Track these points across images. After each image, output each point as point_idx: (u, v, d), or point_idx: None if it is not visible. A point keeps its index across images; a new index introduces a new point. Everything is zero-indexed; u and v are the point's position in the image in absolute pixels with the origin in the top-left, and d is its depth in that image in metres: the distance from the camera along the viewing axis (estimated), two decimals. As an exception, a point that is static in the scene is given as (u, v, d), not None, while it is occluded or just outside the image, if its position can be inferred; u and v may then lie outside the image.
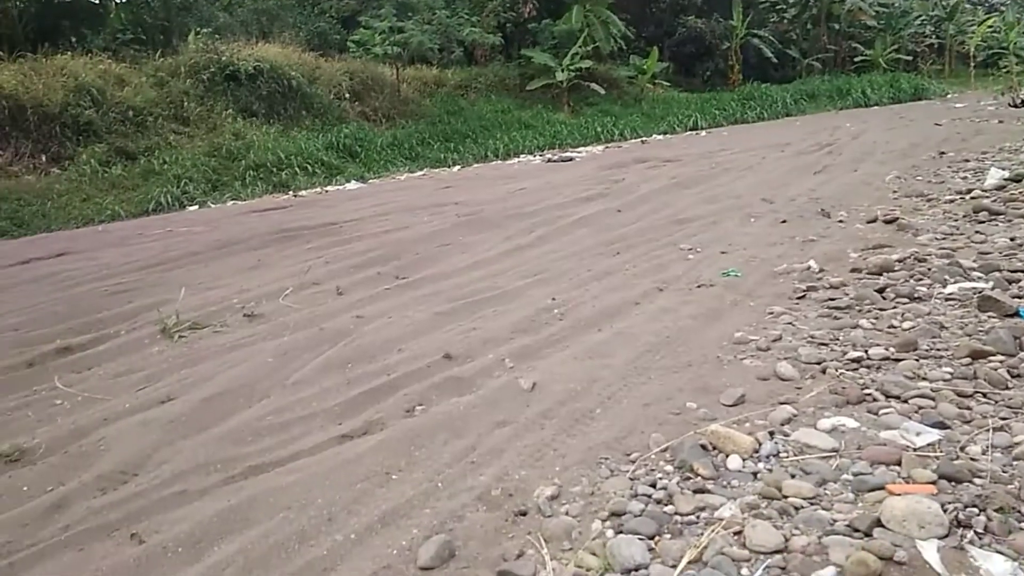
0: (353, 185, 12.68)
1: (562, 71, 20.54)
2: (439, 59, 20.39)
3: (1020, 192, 6.68)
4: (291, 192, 12.11)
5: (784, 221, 6.81)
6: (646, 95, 23.49)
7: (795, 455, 2.68)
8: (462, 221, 7.70)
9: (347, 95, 17.06)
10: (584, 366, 3.77)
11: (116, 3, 18.56)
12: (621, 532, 2.32)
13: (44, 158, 12.20)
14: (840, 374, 3.37)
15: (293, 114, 15.53)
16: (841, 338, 3.82)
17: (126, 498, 2.83)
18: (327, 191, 12.20)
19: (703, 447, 2.76)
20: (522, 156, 16.26)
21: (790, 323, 4.16)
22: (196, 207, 11.18)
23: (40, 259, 7.12)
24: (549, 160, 14.90)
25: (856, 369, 3.41)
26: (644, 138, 18.81)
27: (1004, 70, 28.57)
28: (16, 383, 4.07)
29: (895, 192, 7.75)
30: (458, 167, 14.89)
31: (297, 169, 13.05)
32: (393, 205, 9.24)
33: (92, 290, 5.70)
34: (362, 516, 2.59)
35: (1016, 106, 17.27)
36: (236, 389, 3.78)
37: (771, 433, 2.85)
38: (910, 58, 31.81)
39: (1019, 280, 4.37)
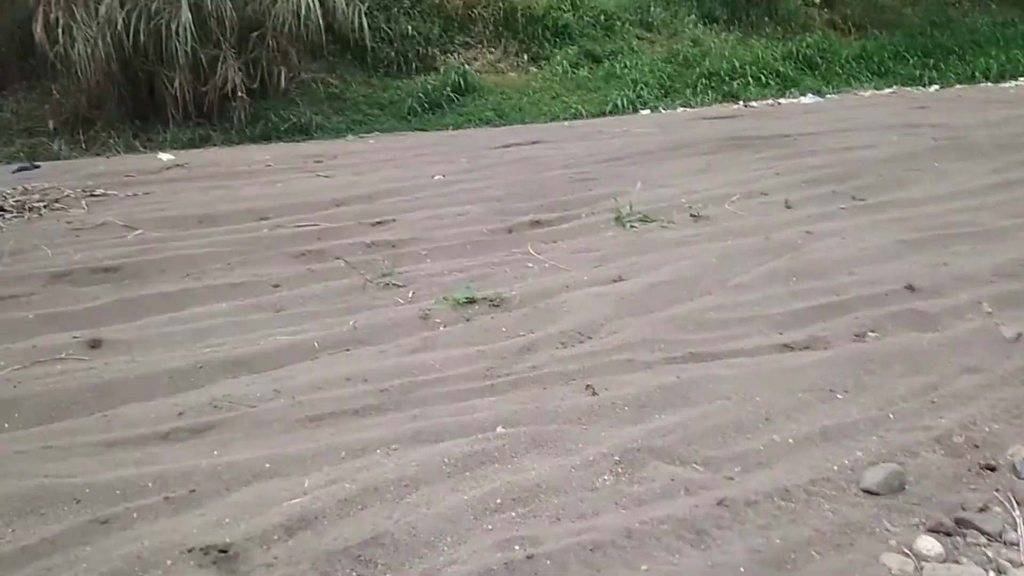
0: (809, 99, 11.90)
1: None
2: (932, -40, 17.60)
3: None
4: (741, 102, 11.84)
5: None
6: None
7: None
8: (939, 145, 6.73)
9: (817, 1, 15.81)
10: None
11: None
12: None
13: (526, 57, 13.71)
14: None
15: (755, 21, 14.96)
16: None
17: (581, 355, 3.17)
18: (779, 103, 11.66)
19: None
20: (1020, 79, 13.47)
21: None
22: (648, 111, 11.62)
23: (518, 144, 8.10)
24: (1061, 86, 12.10)
25: None
26: None
27: None
28: (499, 244, 4.76)
29: None
30: (936, 87, 12.95)
31: (750, 79, 12.66)
32: (855, 122, 8.45)
33: (560, 175, 6.34)
34: (801, 424, 2.53)
35: None
36: (680, 281, 3.93)
37: None
38: None
39: None
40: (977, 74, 13.73)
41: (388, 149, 8.29)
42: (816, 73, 13.50)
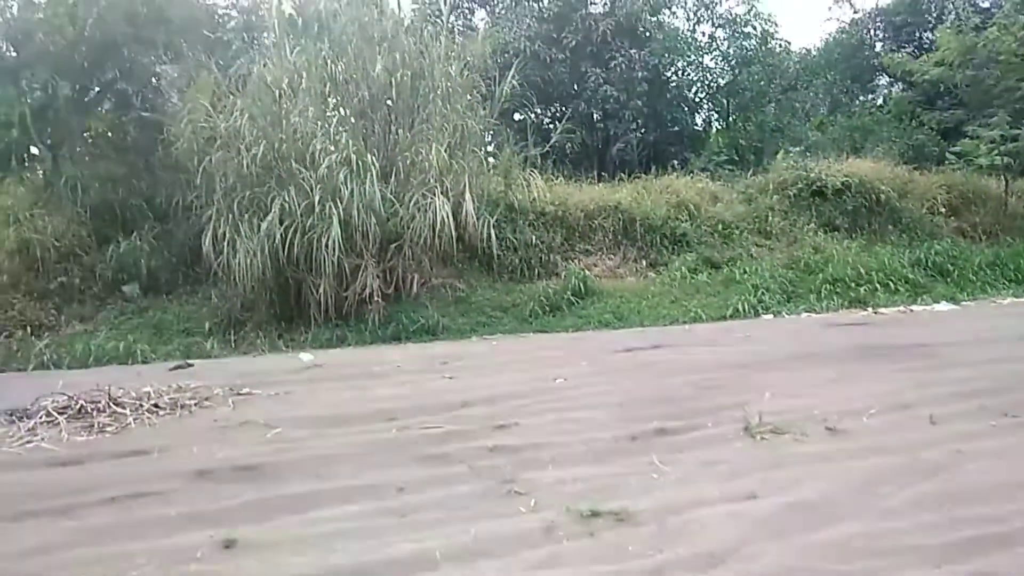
0: (943, 306, 11.48)
1: None
2: (1064, 168, 17.33)
3: None
4: (870, 308, 11.56)
5: None
6: None
7: None
8: (1099, 360, 6.25)
9: (942, 209, 15.70)
10: None
11: (716, 129, 20.82)
12: None
13: (644, 263, 14.13)
14: None
15: (878, 228, 14.95)
16: None
17: (718, 582, 2.96)
18: (911, 310, 11.29)
19: None
20: None
21: None
22: (770, 316, 11.51)
23: (640, 348, 8.16)
24: None
25: None
26: None
27: None
28: (623, 452, 4.67)
29: None
30: (1084, 295, 12.23)
31: (877, 285, 12.43)
32: (998, 331, 8.04)
33: (683, 381, 6.28)
34: None
35: None
36: (820, 502, 3.69)
37: None
38: None
39: None
40: None
41: (510, 351, 8.55)
42: (948, 280, 13.11)
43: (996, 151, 15.30)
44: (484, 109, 12.62)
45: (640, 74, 17.23)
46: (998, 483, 3.79)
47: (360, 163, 9.90)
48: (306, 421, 5.34)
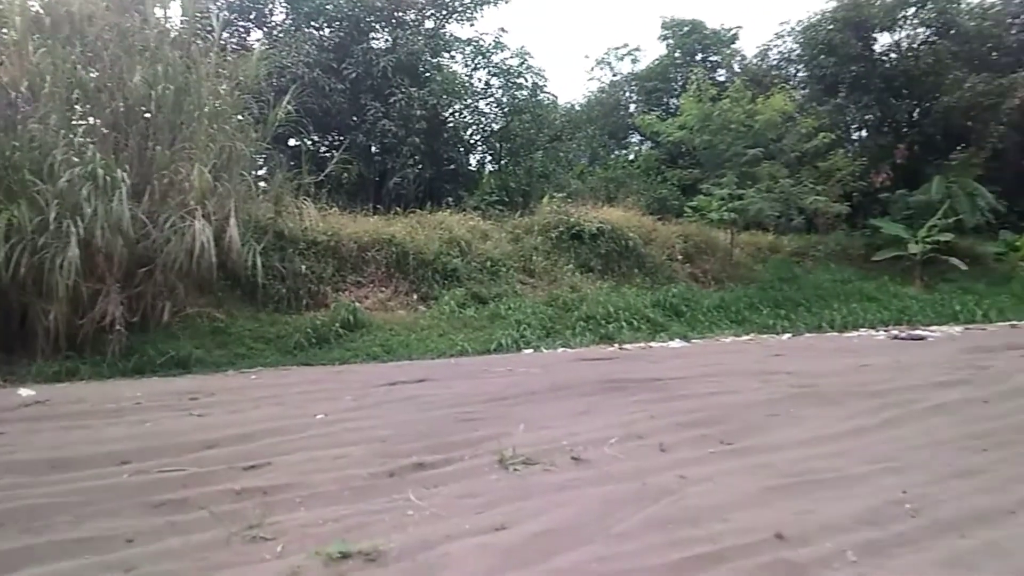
0: (677, 343, 12.80)
1: (916, 243, 19.06)
2: (776, 225, 20.24)
3: None
4: (616, 344, 12.58)
5: None
6: (1018, 274, 20.60)
7: None
8: (795, 392, 7.30)
9: (679, 256, 17.62)
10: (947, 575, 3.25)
11: (489, 170, 21.70)
12: None
13: (415, 296, 14.27)
14: None
15: (626, 271, 16.40)
16: None
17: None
18: (651, 346, 12.45)
19: None
20: (862, 330, 15.09)
21: None
22: (531, 350, 12.11)
23: (405, 382, 8.18)
24: (896, 337, 13.61)
25: None
26: (1015, 322, 16.35)
27: None
28: (379, 489, 4.62)
29: None
30: (788, 335, 14.26)
31: (623, 322, 13.58)
32: (719, 367, 9.10)
33: (446, 415, 6.39)
34: None
35: None
36: (563, 529, 3.90)
37: None
38: None
39: None
40: (824, 324, 15.32)
41: (270, 385, 8.16)
42: (682, 319, 14.67)
43: (725, 207, 17.50)
44: (256, 132, 12.08)
45: (419, 112, 17.53)
46: (713, 505, 4.25)
47: (108, 179, 9.02)
48: (19, 466, 4.69)
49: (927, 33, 21.91)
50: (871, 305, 16.65)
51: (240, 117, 11.87)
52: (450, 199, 18.01)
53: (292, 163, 14.47)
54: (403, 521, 4.10)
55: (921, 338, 13.30)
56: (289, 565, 3.43)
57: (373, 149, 18.23)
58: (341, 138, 17.69)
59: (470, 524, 3.99)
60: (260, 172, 13.73)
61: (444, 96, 18.62)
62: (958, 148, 21.93)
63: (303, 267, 12.28)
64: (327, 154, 17.41)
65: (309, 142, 17.56)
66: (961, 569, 3.38)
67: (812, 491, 4.49)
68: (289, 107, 12.50)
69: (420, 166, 17.70)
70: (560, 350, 12.12)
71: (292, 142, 17.22)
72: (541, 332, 13.05)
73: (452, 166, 19.92)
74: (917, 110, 22.10)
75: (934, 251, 19.21)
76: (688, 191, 20.70)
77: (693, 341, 13.17)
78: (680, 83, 24.49)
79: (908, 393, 7.28)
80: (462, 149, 20.45)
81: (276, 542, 3.72)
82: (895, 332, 14.31)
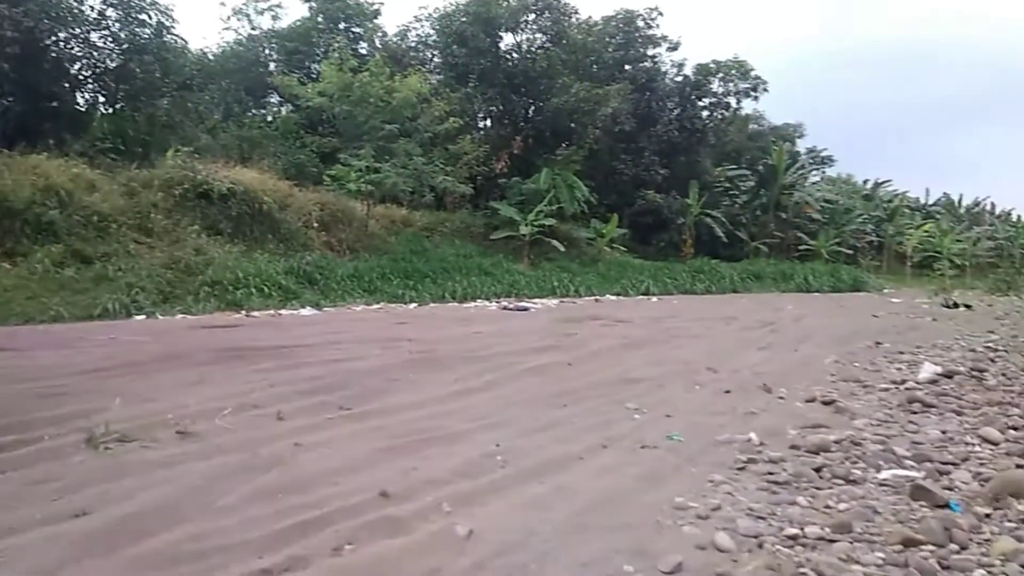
0: (308, 311, 12.69)
1: (526, 225, 21.45)
2: (410, 200, 21.12)
3: (951, 388, 7.00)
4: (244, 311, 12.03)
5: (728, 391, 6.97)
6: (603, 257, 24.48)
7: (728, 630, 2.63)
8: (414, 358, 7.71)
9: (315, 224, 17.42)
10: (523, 518, 3.70)
11: (101, 113, 19.02)
12: None
13: (-1, 251, 12.01)
14: (776, 550, 3.37)
15: (259, 236, 15.73)
16: (779, 513, 3.84)
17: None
18: (280, 314, 12.16)
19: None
20: (479, 301, 16.56)
21: (729, 493, 4.17)
22: (144, 317, 11.00)
23: (-29, 353, 6.84)
24: (505, 307, 15.18)
25: (792, 547, 3.41)
26: (598, 297, 19.38)
27: (938, 273, 30.99)
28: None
29: (833, 375, 8.03)
30: (415, 304, 15.04)
31: (253, 289, 13.05)
32: (346, 335, 9.22)
33: (24, 390, 5.48)
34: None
35: (948, 307, 18.39)
36: (156, 510, 3.60)
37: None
38: (851, 252, 34.11)
39: (949, 472, 4.50)
40: (447, 295, 16.48)
41: None
42: (315, 287, 14.60)
43: (363, 179, 17.73)
44: None
45: (10, 33, 14.56)
46: (324, 470, 4.28)
47: None
48: None
49: (544, 39, 24.60)
50: (487, 279, 18.34)
51: None
52: (51, 141, 15.42)
53: None
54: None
55: (525, 309, 15.03)
56: None
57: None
58: None
59: (43, 513, 3.47)
60: None
61: (45, 19, 15.77)
62: (563, 145, 25.12)
63: None
64: None
65: None
66: (536, 510, 3.88)
67: (419, 449, 4.77)
68: None
69: (11, 98, 14.80)
70: (179, 317, 11.21)
71: None
72: (157, 297, 11.94)
73: (54, 103, 17.02)
74: (532, 107, 24.75)
75: (540, 233, 21.84)
76: (327, 159, 20.53)
77: (325, 309, 13.17)
78: (323, 49, 24.08)
79: (509, 357, 8.15)
80: (67, 85, 17.58)
81: None
82: (505, 303, 15.96)
